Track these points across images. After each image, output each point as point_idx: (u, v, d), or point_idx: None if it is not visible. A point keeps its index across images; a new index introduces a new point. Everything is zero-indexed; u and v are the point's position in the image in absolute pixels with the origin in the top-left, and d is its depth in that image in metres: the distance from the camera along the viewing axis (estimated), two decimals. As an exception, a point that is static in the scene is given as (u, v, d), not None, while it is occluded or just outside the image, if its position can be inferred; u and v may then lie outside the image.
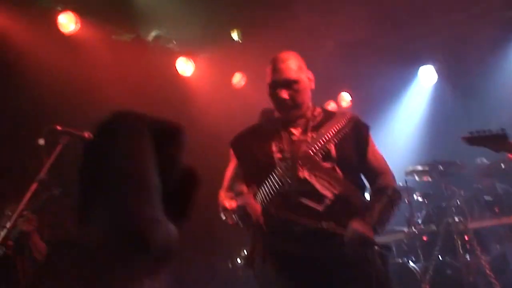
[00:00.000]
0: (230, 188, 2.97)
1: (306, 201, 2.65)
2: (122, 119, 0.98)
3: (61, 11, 5.51)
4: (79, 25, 5.60)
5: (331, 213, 2.63)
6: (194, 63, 6.69)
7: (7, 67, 5.33)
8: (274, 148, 2.82)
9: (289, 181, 2.69)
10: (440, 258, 5.42)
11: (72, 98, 5.70)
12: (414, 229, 5.50)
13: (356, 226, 2.58)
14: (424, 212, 5.92)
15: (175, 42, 6.60)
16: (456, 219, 5.42)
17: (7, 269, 4.12)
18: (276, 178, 2.72)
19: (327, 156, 2.75)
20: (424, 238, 5.66)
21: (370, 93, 7.59)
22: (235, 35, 6.71)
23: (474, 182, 6.14)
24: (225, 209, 2.83)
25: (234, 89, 7.06)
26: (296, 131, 2.87)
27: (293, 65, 2.86)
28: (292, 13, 6.30)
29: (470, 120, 6.69)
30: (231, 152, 3.05)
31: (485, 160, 6.06)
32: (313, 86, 2.96)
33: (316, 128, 2.85)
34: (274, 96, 2.86)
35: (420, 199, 5.87)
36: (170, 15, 6.13)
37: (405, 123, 7.78)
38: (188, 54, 6.66)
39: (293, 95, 2.82)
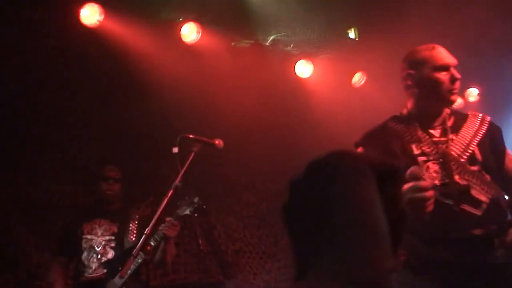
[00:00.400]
0: None
1: (464, 206, 2.54)
2: (342, 159, 0.91)
3: (183, 22, 5.71)
4: (200, 34, 5.77)
5: (489, 218, 2.53)
6: (313, 64, 6.70)
7: (133, 79, 5.62)
8: (415, 150, 2.70)
9: (442, 187, 2.55)
10: None
11: (196, 106, 5.91)
12: None
13: None
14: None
15: (292, 45, 6.63)
16: None
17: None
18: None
19: (472, 159, 2.64)
20: None
21: (499, 87, 7.26)
22: (352, 34, 6.65)
23: None
24: None
25: (354, 89, 6.99)
26: (435, 133, 2.75)
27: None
28: (409, 9, 6.16)
29: None
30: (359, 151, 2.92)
31: None
32: None
33: (454, 129, 2.74)
34: (444, 77, 2.75)
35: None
36: (287, 18, 6.19)
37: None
38: (306, 56, 6.68)
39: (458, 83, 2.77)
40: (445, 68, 2.75)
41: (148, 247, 3.68)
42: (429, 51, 2.80)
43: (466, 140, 2.68)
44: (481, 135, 2.71)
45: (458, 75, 2.74)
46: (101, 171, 4.64)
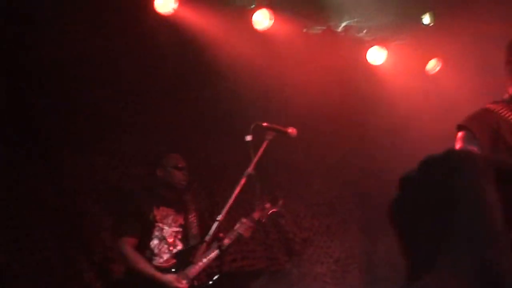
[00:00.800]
0: None
1: None
2: (463, 158, 0.92)
3: (255, 9, 5.69)
4: (272, 21, 5.73)
5: None
6: (386, 51, 6.55)
7: (206, 67, 5.65)
8: None
9: None
10: None
11: (268, 93, 5.90)
12: None
13: None
14: None
15: (365, 31, 6.51)
16: None
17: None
18: None
19: None
20: None
21: None
22: (426, 19, 6.46)
23: None
24: None
25: (429, 76, 6.80)
26: None
27: None
28: None
29: None
30: (463, 134, 2.86)
31: None
32: None
33: None
34: None
35: None
36: (360, 4, 6.07)
37: None
38: (379, 42, 6.54)
39: None
40: None
41: (221, 234, 3.69)
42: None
43: None
44: None
45: None
46: (174, 160, 4.68)
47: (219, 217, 3.44)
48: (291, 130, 3.69)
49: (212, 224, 3.59)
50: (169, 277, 4.25)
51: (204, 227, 4.47)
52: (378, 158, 6.86)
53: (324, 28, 6.23)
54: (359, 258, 7.05)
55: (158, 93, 5.80)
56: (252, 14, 5.68)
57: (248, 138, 3.44)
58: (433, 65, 6.74)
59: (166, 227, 4.51)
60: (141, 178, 5.34)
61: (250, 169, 3.40)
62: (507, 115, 2.72)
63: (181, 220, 4.62)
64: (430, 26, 6.44)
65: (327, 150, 6.81)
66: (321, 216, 6.87)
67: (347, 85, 6.47)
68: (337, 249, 6.89)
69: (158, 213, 4.53)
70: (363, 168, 6.98)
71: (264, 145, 3.53)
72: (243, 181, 3.40)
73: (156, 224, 4.48)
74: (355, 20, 6.36)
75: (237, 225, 4.23)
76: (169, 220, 4.57)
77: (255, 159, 3.42)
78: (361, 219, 7.01)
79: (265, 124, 3.58)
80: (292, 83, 5.99)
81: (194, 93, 5.94)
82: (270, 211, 4.62)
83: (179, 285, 4.20)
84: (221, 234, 3.65)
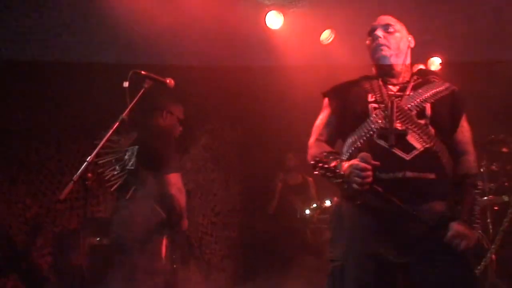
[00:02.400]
0: (322, 137, 3.12)
1: (395, 150, 2.77)
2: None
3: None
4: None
5: (417, 164, 2.74)
6: (284, 16, 6.75)
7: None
8: (370, 98, 2.97)
9: (386, 131, 2.81)
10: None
11: (158, 48, 5.94)
12: (486, 198, 5.49)
13: (459, 228, 2.72)
14: (498, 181, 5.84)
15: (265, -4, 6.65)
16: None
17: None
18: (370, 127, 2.87)
19: (421, 113, 2.86)
20: (496, 207, 5.62)
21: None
22: (326, -8, 6.69)
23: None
24: (329, 170, 2.81)
25: (322, 46, 7.08)
26: (394, 88, 3.02)
27: (390, 18, 3.14)
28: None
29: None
30: (326, 101, 3.19)
31: None
32: (412, 44, 3.15)
33: (414, 88, 2.99)
34: (371, 40, 3.10)
35: (495, 168, 5.81)
36: (264, -33, 6.22)
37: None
38: (278, 7, 6.72)
39: (387, 36, 3.04)
40: (370, 32, 3.11)
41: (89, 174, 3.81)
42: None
43: (421, 97, 2.91)
44: (439, 96, 2.94)
45: (378, 35, 3.04)
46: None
47: (89, 158, 3.51)
48: (169, 81, 3.82)
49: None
50: None
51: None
52: (264, 123, 7.11)
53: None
54: (240, 213, 7.36)
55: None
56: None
57: (125, 84, 3.54)
58: (327, 35, 7.02)
59: None
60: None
61: (124, 114, 3.51)
62: (364, 83, 3.09)
63: None
64: (332, -1, 6.68)
65: (215, 111, 6.98)
66: (206, 171, 7.09)
67: (244, 44, 6.61)
68: (219, 203, 7.16)
69: None
70: (247, 130, 7.21)
71: (141, 92, 3.65)
72: (116, 124, 3.51)
73: None
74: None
75: None
76: None
77: (131, 105, 3.54)
78: (243, 176, 7.29)
79: (143, 72, 3.68)
80: (187, 38, 6.05)
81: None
82: None
83: None
84: (89, 174, 3.75)
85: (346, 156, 2.90)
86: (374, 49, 3.06)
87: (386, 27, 3.06)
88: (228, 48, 6.34)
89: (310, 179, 7.54)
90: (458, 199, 2.86)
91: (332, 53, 6.99)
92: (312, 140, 3.13)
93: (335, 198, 7.17)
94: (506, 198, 5.52)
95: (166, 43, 5.99)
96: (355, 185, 2.66)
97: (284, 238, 6.77)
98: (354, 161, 2.70)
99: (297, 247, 6.82)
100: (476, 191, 2.92)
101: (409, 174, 2.70)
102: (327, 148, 3.02)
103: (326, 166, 2.78)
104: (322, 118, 3.16)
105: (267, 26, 6.72)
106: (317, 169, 2.83)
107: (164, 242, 4.35)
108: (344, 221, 2.85)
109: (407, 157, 2.73)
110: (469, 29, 6.56)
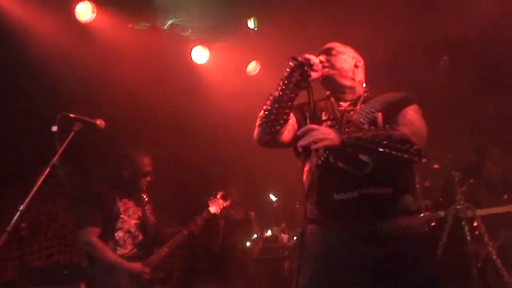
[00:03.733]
0: None
1: (347, 167, 2.73)
2: None
3: (77, 0, 5.63)
4: (95, 14, 5.71)
5: (372, 179, 2.69)
6: (209, 51, 6.79)
7: (24, 55, 5.48)
8: (323, 116, 2.97)
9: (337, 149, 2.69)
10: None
11: (87, 86, 5.85)
12: (422, 215, 5.58)
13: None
14: (432, 197, 5.98)
15: (190, 31, 6.68)
16: (465, 206, 5.47)
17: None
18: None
19: (373, 123, 2.81)
20: (433, 223, 5.74)
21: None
22: (251, 23, 6.78)
23: (483, 170, 6.19)
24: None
25: (249, 77, 7.14)
26: (345, 104, 3.02)
27: (335, 42, 3.15)
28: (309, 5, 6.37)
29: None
30: None
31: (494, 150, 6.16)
32: (359, 64, 3.13)
33: (365, 101, 2.98)
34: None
35: (428, 185, 5.95)
36: (186, 3, 6.23)
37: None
38: (203, 42, 6.75)
39: (330, 59, 3.03)
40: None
41: (22, 224, 3.73)
42: None
43: (371, 108, 2.88)
44: (388, 103, 2.90)
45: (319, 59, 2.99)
46: (144, 165, 4.82)
47: (22, 207, 3.38)
48: (99, 122, 3.71)
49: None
50: (135, 265, 4.53)
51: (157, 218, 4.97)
52: (198, 153, 7.07)
53: (149, 25, 6.30)
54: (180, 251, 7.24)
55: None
56: (75, 6, 5.62)
57: (54, 128, 3.42)
58: (253, 67, 7.10)
59: (128, 219, 4.66)
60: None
61: (54, 160, 3.39)
62: (320, 105, 3.06)
63: (139, 212, 4.77)
64: (254, 31, 6.77)
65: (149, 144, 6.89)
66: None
67: (171, 81, 6.59)
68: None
69: (121, 205, 4.67)
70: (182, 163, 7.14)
71: (70, 135, 3.53)
72: (47, 171, 3.38)
73: (121, 216, 4.61)
74: (181, 19, 6.51)
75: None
76: (130, 212, 4.71)
77: (61, 150, 3.42)
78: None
79: (72, 115, 3.57)
80: (115, 77, 5.97)
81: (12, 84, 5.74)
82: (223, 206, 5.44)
83: (145, 274, 4.54)
84: (22, 224, 3.68)
85: (307, 185, 2.85)
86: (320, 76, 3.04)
87: (328, 51, 3.09)
88: (155, 83, 6.28)
89: (252, 213, 7.52)
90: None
91: (259, 83, 7.06)
92: None
93: (275, 228, 7.20)
94: (442, 214, 5.64)
95: (92, 79, 5.89)
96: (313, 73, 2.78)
97: (229, 273, 6.69)
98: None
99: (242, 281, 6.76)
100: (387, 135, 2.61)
101: (364, 191, 2.67)
102: None
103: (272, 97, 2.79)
104: None
105: (193, 61, 6.74)
106: (266, 113, 2.81)
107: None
108: (308, 249, 2.77)
109: (361, 173, 2.70)
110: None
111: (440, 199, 5.90)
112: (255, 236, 7.28)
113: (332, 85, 3.07)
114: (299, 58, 2.78)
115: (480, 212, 5.58)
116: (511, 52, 6.22)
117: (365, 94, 3.05)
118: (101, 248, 4.44)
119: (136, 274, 4.50)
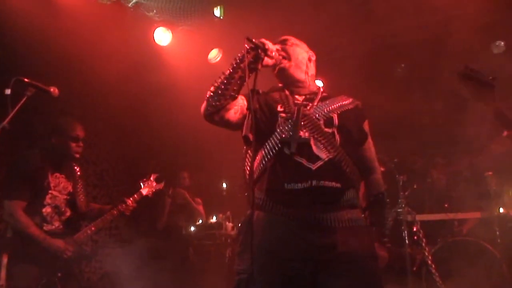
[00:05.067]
0: None
1: (301, 159, 2.78)
2: None
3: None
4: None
5: (323, 173, 2.76)
6: (172, 33, 6.77)
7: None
8: (279, 108, 2.99)
9: (290, 139, 2.82)
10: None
11: (44, 53, 5.77)
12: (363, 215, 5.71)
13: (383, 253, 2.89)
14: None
15: (155, 11, 6.64)
16: (406, 209, 5.62)
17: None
18: (278, 136, 2.86)
19: (329, 122, 2.90)
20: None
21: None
22: (217, 12, 6.78)
23: (428, 177, 6.37)
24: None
25: (210, 64, 7.16)
26: (300, 98, 3.07)
27: (289, 36, 3.23)
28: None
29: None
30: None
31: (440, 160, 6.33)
32: (312, 59, 3.24)
33: (322, 99, 3.04)
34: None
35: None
36: (155, -17, 6.22)
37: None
38: (167, 24, 6.73)
39: (285, 48, 3.12)
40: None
41: None
42: None
43: (328, 107, 2.97)
44: (345, 109, 3.00)
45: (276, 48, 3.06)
46: (72, 130, 4.62)
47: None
48: (53, 90, 3.69)
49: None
50: (58, 242, 4.38)
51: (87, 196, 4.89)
52: (151, 134, 7.05)
53: (115, 0, 6.24)
54: (123, 230, 7.23)
55: None
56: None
57: (7, 91, 3.39)
58: (214, 54, 7.12)
59: (59, 195, 4.55)
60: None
61: (5, 122, 3.36)
62: (273, 94, 3.12)
63: (70, 188, 4.64)
64: (219, 19, 6.78)
65: (101, 124, 6.86)
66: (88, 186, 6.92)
67: (131, 58, 6.54)
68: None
69: (52, 180, 4.53)
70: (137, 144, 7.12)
71: (23, 100, 3.51)
72: (-2, 132, 3.34)
73: (50, 191, 4.49)
74: (146, -2, 6.47)
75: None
76: (60, 187, 4.58)
77: (12, 113, 3.39)
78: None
79: (26, 80, 3.55)
80: (75, 48, 5.91)
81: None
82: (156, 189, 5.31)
83: (66, 251, 4.41)
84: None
85: (257, 173, 2.89)
86: (274, 64, 3.08)
87: (283, 41, 3.16)
88: (114, 58, 6.23)
89: (199, 199, 7.54)
90: (369, 211, 3.02)
91: (219, 71, 7.07)
92: None
93: (220, 215, 7.24)
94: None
95: (51, 55, 5.81)
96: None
97: (168, 255, 6.69)
98: None
99: (178, 264, 6.78)
100: (385, 209, 3.11)
101: (315, 183, 2.73)
102: None
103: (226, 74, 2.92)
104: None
105: (155, 42, 6.72)
106: (214, 87, 2.91)
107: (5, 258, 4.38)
108: (254, 234, 2.83)
109: (313, 166, 2.76)
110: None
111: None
112: (200, 221, 7.32)
113: (288, 78, 3.14)
114: (253, 40, 2.85)
115: (420, 217, 5.75)
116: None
117: (322, 93, 3.11)
118: (24, 222, 4.32)
119: (58, 251, 4.39)
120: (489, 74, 3.13)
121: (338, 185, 2.78)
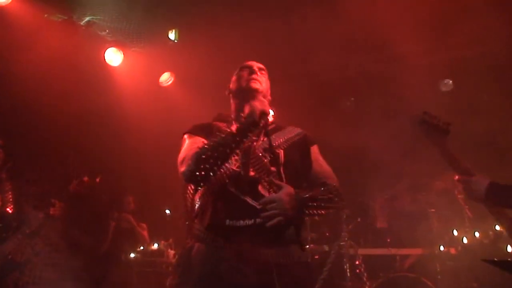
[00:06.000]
0: None
1: (245, 197, 2.77)
2: None
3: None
4: (10, -1, 5.55)
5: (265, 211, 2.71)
6: (124, 55, 6.69)
7: None
8: None
9: (236, 177, 2.80)
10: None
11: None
12: (307, 246, 5.69)
13: (283, 195, 2.67)
14: (319, 231, 6.11)
15: (108, 31, 6.57)
16: (348, 243, 5.63)
17: None
18: (225, 173, 2.82)
19: (274, 160, 2.85)
20: (316, 256, 5.85)
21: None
22: (172, 35, 6.74)
23: (371, 211, 6.41)
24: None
25: (160, 88, 7.10)
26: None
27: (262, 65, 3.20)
28: (230, 22, 6.41)
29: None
30: (187, 136, 3.06)
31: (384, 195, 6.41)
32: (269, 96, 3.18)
33: (268, 134, 2.94)
34: (243, 72, 3.12)
35: (317, 219, 6.05)
36: (108, 3, 6.14)
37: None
38: (119, 44, 6.65)
39: (262, 80, 3.07)
40: (246, 67, 3.16)
41: None
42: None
43: (274, 142, 2.93)
44: (291, 142, 3.00)
45: (256, 70, 3.09)
46: None
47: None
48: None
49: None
50: None
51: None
52: (95, 155, 6.94)
53: (66, 18, 6.15)
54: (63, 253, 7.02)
55: None
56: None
57: None
58: (166, 78, 7.07)
59: None
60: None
61: None
62: (223, 128, 3.00)
63: None
64: (173, 43, 6.74)
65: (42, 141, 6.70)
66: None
67: (80, 77, 6.42)
68: (40, 241, 6.77)
69: None
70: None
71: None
72: None
73: None
74: (99, 17, 6.39)
75: None
76: None
77: None
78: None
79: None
80: (21, 64, 5.77)
81: None
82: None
83: None
84: None
85: (197, 205, 2.87)
86: (249, 78, 3.06)
87: (261, 70, 3.13)
88: (63, 76, 6.11)
89: (144, 224, 7.40)
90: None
91: (170, 95, 7.04)
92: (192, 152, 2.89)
93: (163, 242, 7.11)
94: (326, 248, 5.78)
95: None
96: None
97: (110, 281, 6.51)
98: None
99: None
100: (331, 192, 2.88)
101: (259, 221, 2.70)
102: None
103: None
104: (189, 145, 2.98)
105: (106, 62, 6.63)
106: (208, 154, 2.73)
107: None
108: (193, 266, 2.78)
109: (258, 205, 2.73)
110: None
111: (327, 234, 6.04)
112: (141, 248, 7.17)
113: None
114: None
115: (362, 251, 5.76)
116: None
117: (271, 124, 3.07)
118: None
119: None
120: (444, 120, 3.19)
121: (282, 222, 2.71)
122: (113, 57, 6.63)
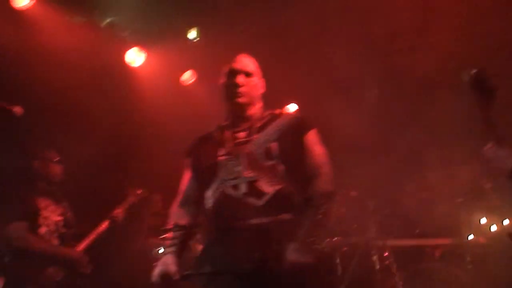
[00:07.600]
0: (185, 202, 3.09)
1: (247, 199, 2.78)
2: None
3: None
4: (33, 2, 5.59)
5: (270, 208, 2.75)
6: (146, 55, 6.70)
7: None
8: (219, 152, 2.96)
9: (233, 180, 2.84)
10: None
11: (14, 73, 5.67)
12: (335, 239, 5.68)
13: (293, 257, 2.61)
14: (347, 223, 6.06)
15: (128, 32, 6.58)
16: (377, 234, 5.59)
17: None
18: (221, 181, 2.87)
19: (268, 154, 2.87)
20: (345, 248, 5.81)
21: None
22: (193, 33, 6.76)
23: (399, 202, 6.34)
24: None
25: (182, 87, 7.11)
26: (240, 135, 3.02)
27: (251, 62, 3.15)
28: (251, 18, 6.43)
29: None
30: (187, 162, 3.18)
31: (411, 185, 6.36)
32: (263, 90, 3.18)
33: (261, 129, 2.99)
34: (229, 82, 3.08)
35: (344, 211, 6.02)
36: (128, 4, 6.17)
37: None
38: (140, 45, 6.67)
39: (248, 85, 3.05)
40: (230, 74, 3.10)
41: None
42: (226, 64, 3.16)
43: (265, 138, 2.93)
44: (283, 129, 2.97)
45: (239, 82, 3.04)
46: (51, 154, 5.04)
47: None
48: (17, 109, 3.63)
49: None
50: (73, 252, 4.79)
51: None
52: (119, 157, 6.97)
53: (87, 19, 6.18)
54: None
55: None
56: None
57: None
58: (187, 76, 7.08)
59: (49, 216, 4.77)
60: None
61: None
62: (216, 139, 3.08)
63: (60, 209, 4.92)
64: (194, 42, 6.76)
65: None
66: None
67: (102, 79, 6.45)
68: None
69: (40, 203, 4.76)
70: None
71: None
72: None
73: (41, 213, 4.71)
74: (120, 18, 6.41)
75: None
76: (50, 209, 4.82)
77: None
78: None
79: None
80: (44, 66, 5.80)
81: None
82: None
83: (82, 258, 4.79)
84: None
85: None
86: (232, 94, 3.05)
87: (247, 74, 3.08)
88: (84, 79, 6.14)
89: None
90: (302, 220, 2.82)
91: (192, 93, 7.05)
92: (174, 205, 3.11)
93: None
94: (353, 240, 5.74)
95: (19, 73, 5.72)
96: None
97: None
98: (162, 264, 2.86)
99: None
100: (320, 211, 2.81)
101: (264, 220, 2.72)
102: (181, 220, 3.02)
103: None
104: (184, 181, 3.14)
105: (127, 63, 6.65)
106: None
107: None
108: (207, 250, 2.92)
109: (260, 203, 2.76)
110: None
111: (355, 226, 5.99)
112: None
113: (238, 111, 3.10)
114: None
115: (390, 242, 5.72)
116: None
117: (260, 119, 3.08)
118: (35, 241, 4.55)
119: (74, 260, 4.70)
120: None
121: (289, 216, 2.77)
122: (135, 57, 6.64)
